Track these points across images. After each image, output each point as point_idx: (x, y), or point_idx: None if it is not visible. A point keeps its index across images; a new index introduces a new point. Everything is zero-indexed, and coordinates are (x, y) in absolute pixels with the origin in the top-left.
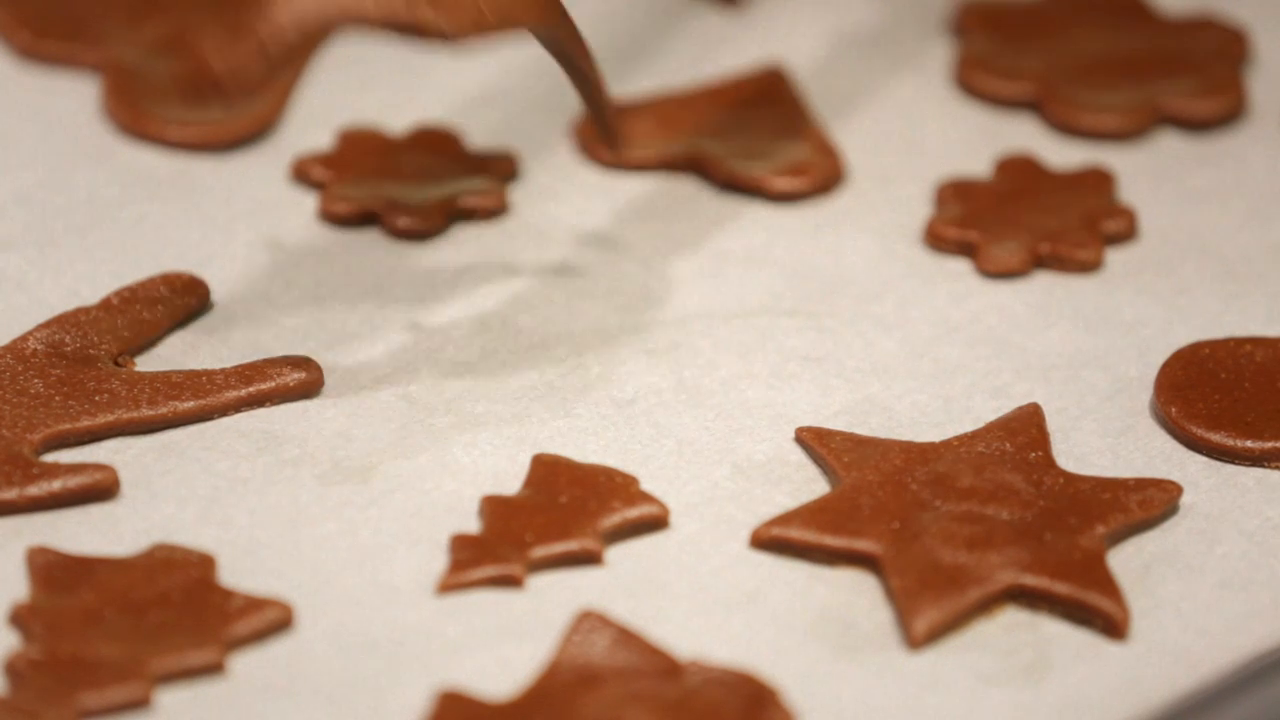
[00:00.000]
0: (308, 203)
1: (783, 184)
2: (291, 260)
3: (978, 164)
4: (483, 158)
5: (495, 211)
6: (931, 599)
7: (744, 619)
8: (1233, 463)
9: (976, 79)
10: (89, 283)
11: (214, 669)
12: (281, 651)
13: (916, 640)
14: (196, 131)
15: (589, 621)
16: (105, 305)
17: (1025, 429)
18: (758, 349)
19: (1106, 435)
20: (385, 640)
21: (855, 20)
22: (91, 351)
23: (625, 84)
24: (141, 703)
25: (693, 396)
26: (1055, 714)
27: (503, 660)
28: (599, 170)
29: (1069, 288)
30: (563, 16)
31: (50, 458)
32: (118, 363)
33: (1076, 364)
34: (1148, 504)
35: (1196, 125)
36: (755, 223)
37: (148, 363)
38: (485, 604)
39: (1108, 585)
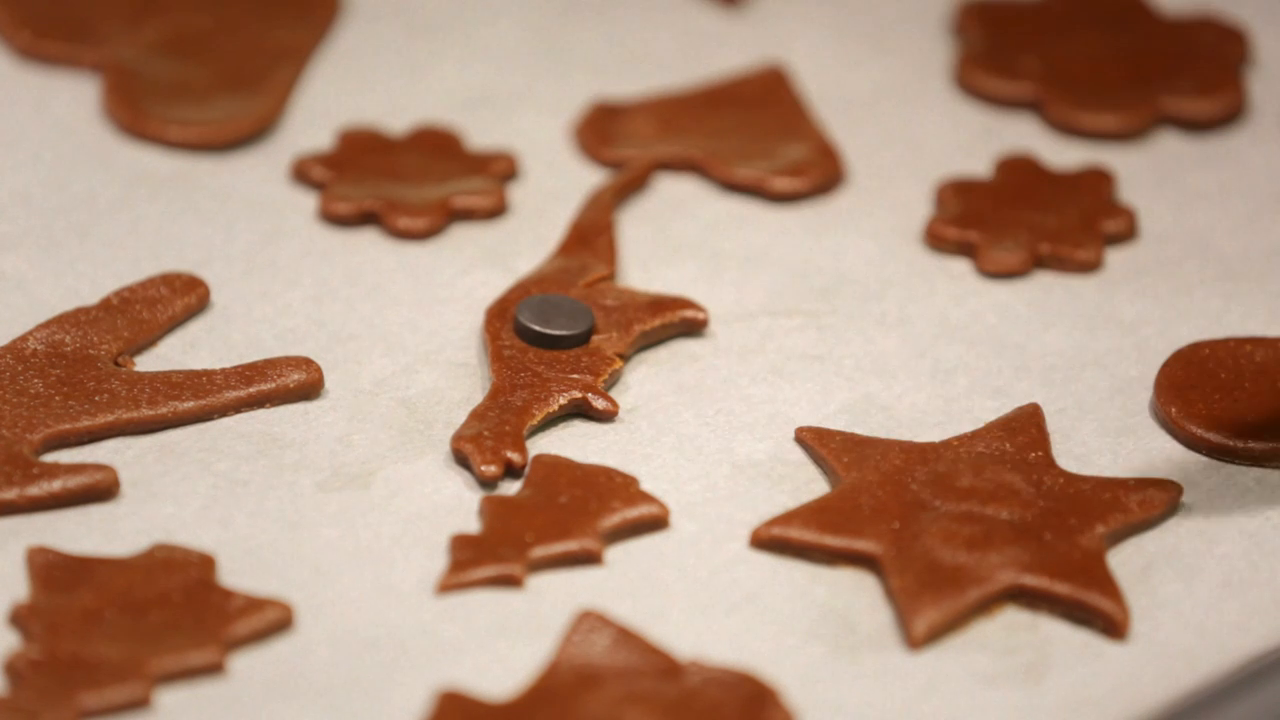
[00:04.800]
0: (308, 203)
1: (783, 184)
2: (291, 260)
3: (978, 164)
4: (483, 158)
5: (495, 211)
6: (931, 599)
7: (744, 619)
8: (1233, 463)
9: (976, 79)
10: (89, 283)
11: (214, 669)
12: (281, 651)
13: (916, 640)
14: (196, 131)
15: (589, 621)
16: (105, 305)
17: (1025, 429)
18: (757, 349)
19: (1106, 435)
20: (385, 640)
21: (855, 20)
22: (91, 351)
23: (625, 84)
24: (141, 703)
25: (692, 396)
26: (1055, 714)
27: (503, 660)
28: (599, 170)
29: (1069, 288)
30: None
31: (50, 458)
32: (118, 363)
33: (1076, 364)
34: (1148, 504)
35: (1196, 125)
36: (755, 223)
37: (148, 363)
38: (485, 604)
39: (1108, 585)
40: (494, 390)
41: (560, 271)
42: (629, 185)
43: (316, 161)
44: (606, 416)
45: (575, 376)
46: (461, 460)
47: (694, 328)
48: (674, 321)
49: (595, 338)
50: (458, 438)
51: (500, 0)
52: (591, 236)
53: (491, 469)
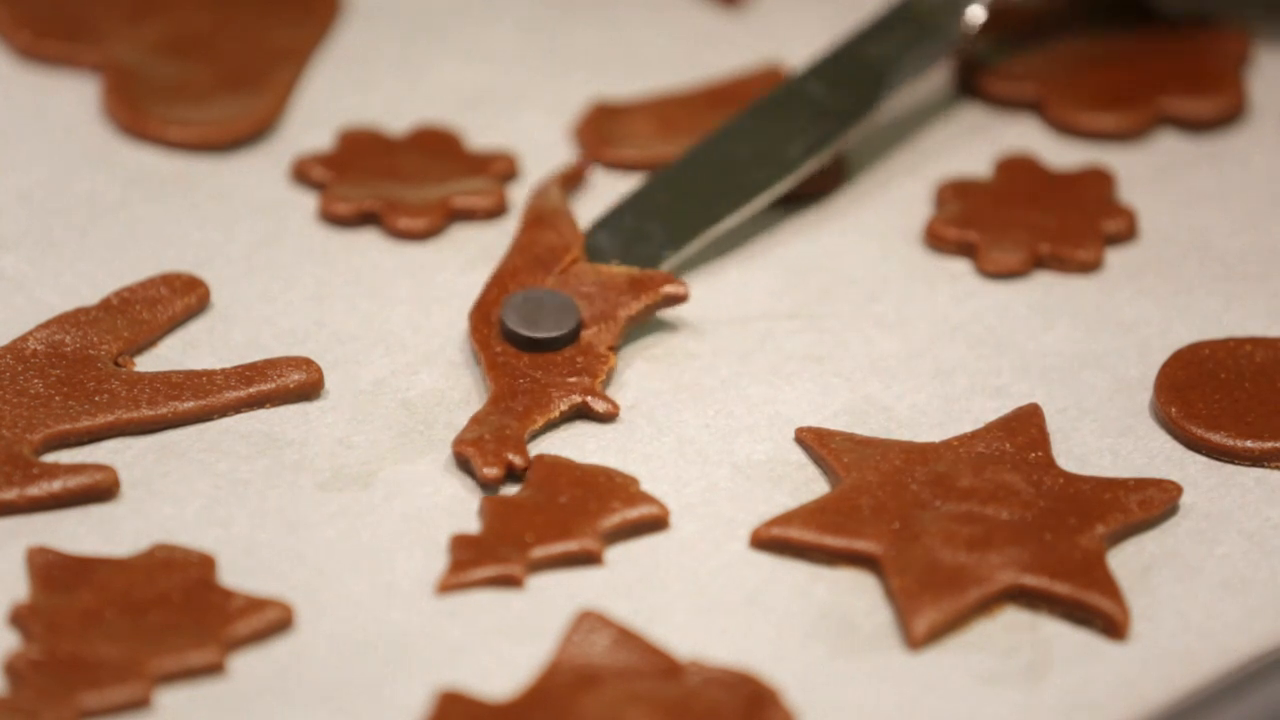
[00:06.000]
0: (308, 203)
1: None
2: (291, 260)
3: (978, 164)
4: (483, 158)
5: (495, 211)
6: (931, 599)
7: (744, 619)
8: (1233, 463)
9: (976, 79)
10: (89, 283)
11: (214, 669)
12: (281, 651)
13: (916, 640)
14: (196, 131)
15: (589, 621)
16: (105, 305)
17: (1025, 429)
18: (757, 349)
19: (1106, 435)
20: (385, 640)
21: (855, 20)
22: (91, 351)
23: (625, 84)
24: (141, 703)
25: (693, 396)
26: (1055, 714)
27: (503, 660)
28: (599, 170)
29: (1069, 288)
30: None
31: (50, 458)
32: (118, 363)
33: (1076, 364)
34: (1148, 504)
35: (1196, 125)
36: (755, 223)
37: (148, 363)
38: (485, 604)
39: (1108, 585)
40: (494, 397)
41: (532, 260)
42: (570, 179)
43: (316, 161)
44: (607, 418)
45: (573, 380)
46: (463, 464)
47: (676, 303)
48: (656, 300)
49: (584, 333)
50: (459, 441)
51: (500, 0)
52: (551, 218)
53: (493, 471)
